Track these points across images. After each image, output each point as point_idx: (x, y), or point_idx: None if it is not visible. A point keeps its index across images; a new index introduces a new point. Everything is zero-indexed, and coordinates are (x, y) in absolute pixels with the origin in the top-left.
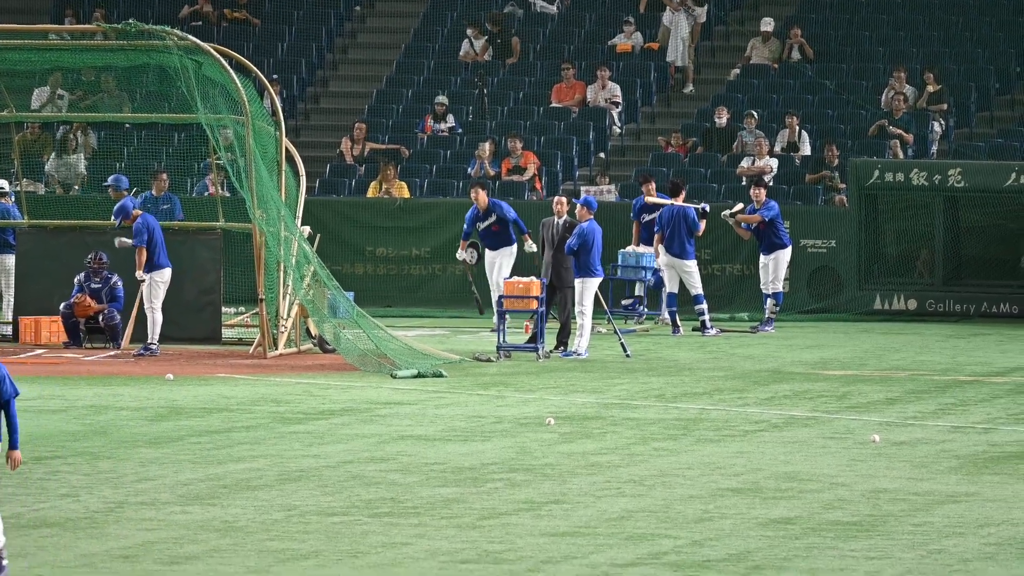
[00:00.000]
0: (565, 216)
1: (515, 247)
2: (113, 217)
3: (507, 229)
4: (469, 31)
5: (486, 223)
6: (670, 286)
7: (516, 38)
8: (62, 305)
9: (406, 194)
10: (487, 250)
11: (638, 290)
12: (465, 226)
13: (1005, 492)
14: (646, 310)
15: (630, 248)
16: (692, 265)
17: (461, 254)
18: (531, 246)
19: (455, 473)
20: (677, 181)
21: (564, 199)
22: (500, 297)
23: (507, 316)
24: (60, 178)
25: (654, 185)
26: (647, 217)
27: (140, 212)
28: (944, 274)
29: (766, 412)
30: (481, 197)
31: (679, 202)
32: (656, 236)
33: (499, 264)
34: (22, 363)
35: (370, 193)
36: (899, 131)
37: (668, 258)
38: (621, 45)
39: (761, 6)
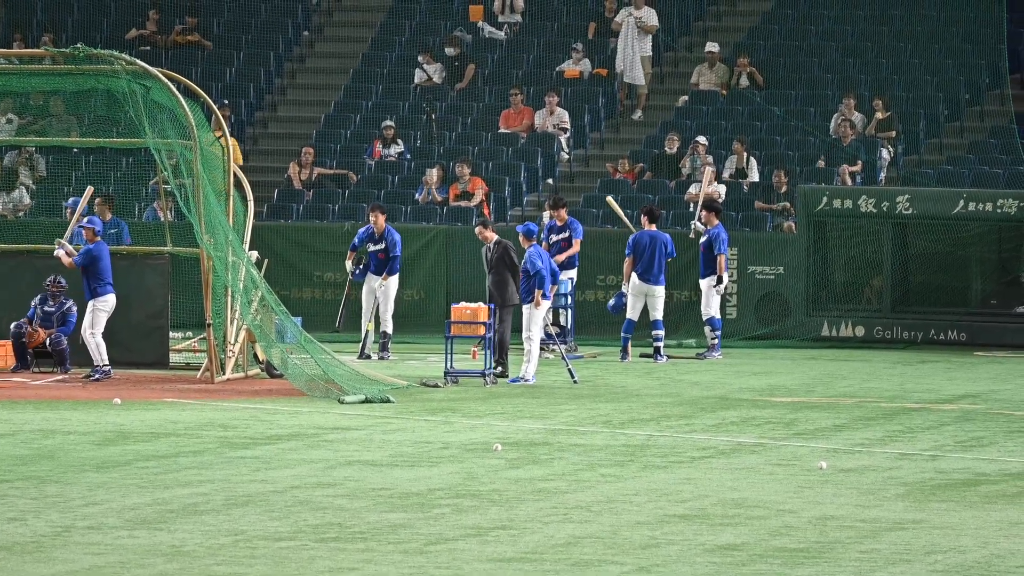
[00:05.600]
0: (495, 237)
1: (397, 278)
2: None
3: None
4: (420, 57)
5: (376, 247)
6: (632, 313)
7: (472, 64)
8: (12, 325)
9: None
10: (371, 272)
11: (562, 319)
12: (355, 240)
13: (952, 519)
14: (572, 335)
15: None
16: (663, 291)
17: (349, 266)
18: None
19: (402, 499)
20: (654, 208)
21: (482, 228)
22: (448, 323)
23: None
24: (5, 212)
25: (565, 211)
26: (555, 238)
27: (100, 239)
28: (892, 301)
29: (713, 439)
30: (380, 221)
31: (654, 228)
32: (627, 260)
33: (384, 293)
34: None
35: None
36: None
37: (644, 285)
38: (569, 71)
39: (710, 32)
